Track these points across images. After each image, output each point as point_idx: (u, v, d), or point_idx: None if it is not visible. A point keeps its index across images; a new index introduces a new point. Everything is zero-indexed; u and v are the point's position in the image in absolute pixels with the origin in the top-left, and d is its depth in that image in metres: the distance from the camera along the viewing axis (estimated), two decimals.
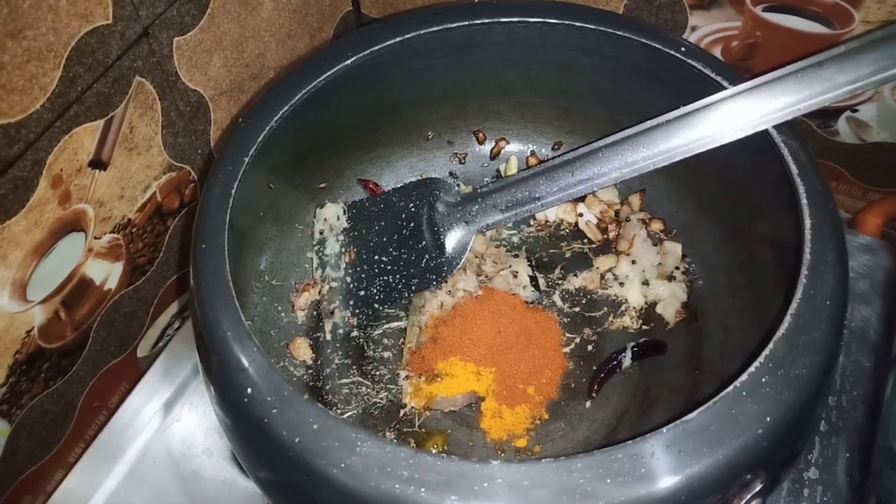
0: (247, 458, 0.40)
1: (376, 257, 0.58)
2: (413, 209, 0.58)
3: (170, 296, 0.62)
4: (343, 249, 0.59)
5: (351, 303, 0.57)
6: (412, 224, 0.58)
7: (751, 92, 0.46)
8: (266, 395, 0.36)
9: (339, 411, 0.53)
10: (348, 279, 0.58)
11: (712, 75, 0.49)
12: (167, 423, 0.57)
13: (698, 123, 0.47)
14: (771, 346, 0.36)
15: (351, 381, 0.54)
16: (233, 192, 0.44)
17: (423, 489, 0.33)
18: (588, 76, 0.57)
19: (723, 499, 0.35)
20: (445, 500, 0.32)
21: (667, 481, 0.33)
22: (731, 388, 0.35)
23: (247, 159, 0.46)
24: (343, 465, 0.33)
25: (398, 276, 0.57)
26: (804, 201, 0.42)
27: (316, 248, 0.59)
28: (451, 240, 0.56)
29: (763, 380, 0.35)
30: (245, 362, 0.37)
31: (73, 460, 0.57)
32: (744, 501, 0.34)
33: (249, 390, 0.36)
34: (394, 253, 0.58)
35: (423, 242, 0.57)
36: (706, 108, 0.47)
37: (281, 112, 0.49)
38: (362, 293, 0.57)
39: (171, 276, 0.61)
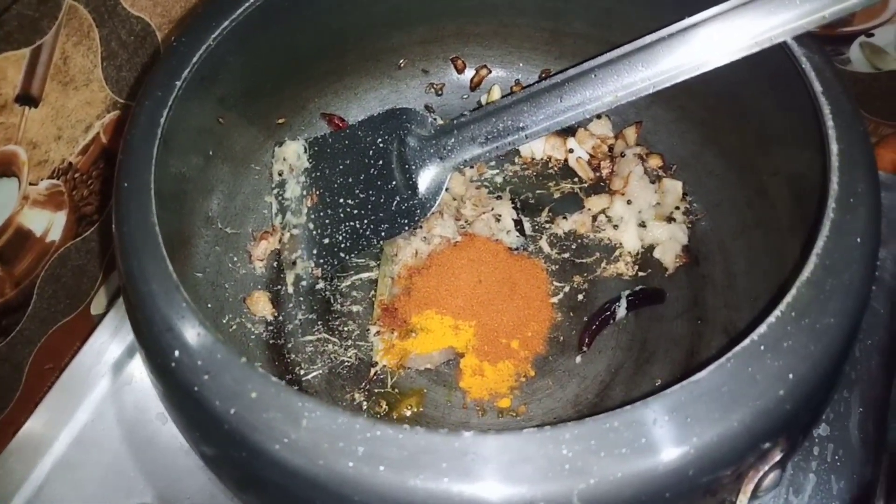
0: (182, 429, 0.37)
1: (341, 200, 0.55)
2: (381, 145, 0.55)
3: None
4: (305, 192, 0.56)
5: (314, 252, 0.55)
6: (381, 162, 0.54)
7: None
8: (196, 359, 0.32)
9: (302, 371, 0.51)
10: (311, 225, 0.55)
11: None
12: (118, 386, 0.56)
13: (707, 37, 0.43)
14: (794, 291, 0.33)
15: (316, 338, 0.52)
16: (162, 121, 0.41)
17: (382, 467, 0.29)
18: None
19: (736, 472, 0.31)
20: (409, 480, 0.29)
21: (672, 453, 0.29)
22: (747, 341, 0.31)
23: (179, 83, 0.42)
24: (286, 441, 0.30)
25: (366, 221, 0.54)
26: (830, 123, 0.38)
27: (275, 191, 0.57)
28: (425, 178, 0.53)
29: (786, 331, 0.32)
30: (172, 320, 0.33)
31: None
32: (761, 474, 0.31)
33: (177, 353, 0.33)
34: (361, 195, 0.54)
35: (394, 182, 0.54)
36: (716, 19, 0.42)
37: (221, 28, 0.45)
38: (327, 241, 0.55)
39: None
